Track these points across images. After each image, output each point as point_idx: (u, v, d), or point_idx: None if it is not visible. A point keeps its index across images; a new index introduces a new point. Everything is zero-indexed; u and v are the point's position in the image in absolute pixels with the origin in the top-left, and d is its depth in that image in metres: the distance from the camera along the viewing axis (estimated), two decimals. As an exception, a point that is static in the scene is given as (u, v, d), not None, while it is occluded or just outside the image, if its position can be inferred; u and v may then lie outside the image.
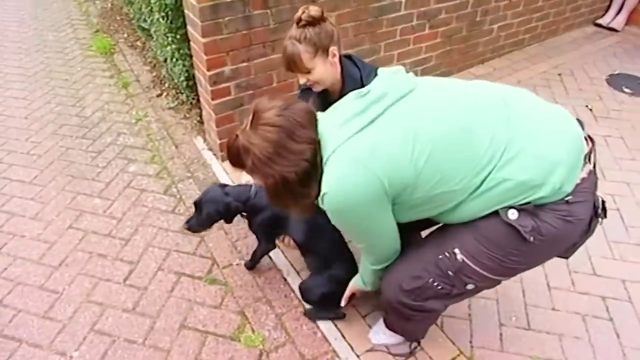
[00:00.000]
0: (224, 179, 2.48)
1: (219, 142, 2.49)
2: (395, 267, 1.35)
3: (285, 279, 1.97)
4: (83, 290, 1.94)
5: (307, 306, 1.83)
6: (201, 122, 2.82)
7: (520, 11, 3.61)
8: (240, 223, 2.22)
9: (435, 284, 1.25)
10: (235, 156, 1.18)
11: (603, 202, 1.18)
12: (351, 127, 1.11)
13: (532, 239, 1.09)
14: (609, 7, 4.43)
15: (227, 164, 2.57)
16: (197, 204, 1.71)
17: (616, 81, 3.51)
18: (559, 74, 3.58)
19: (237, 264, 2.03)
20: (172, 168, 2.59)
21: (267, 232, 1.81)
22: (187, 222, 1.73)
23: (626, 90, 3.40)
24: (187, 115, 2.97)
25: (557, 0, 3.86)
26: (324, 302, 1.74)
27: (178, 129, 2.89)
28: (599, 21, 4.42)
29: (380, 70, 1.23)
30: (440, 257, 1.22)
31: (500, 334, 1.76)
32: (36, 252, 2.11)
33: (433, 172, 1.09)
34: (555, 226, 1.09)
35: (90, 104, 3.20)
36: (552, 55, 3.89)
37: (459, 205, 1.14)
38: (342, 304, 1.66)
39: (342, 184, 1.10)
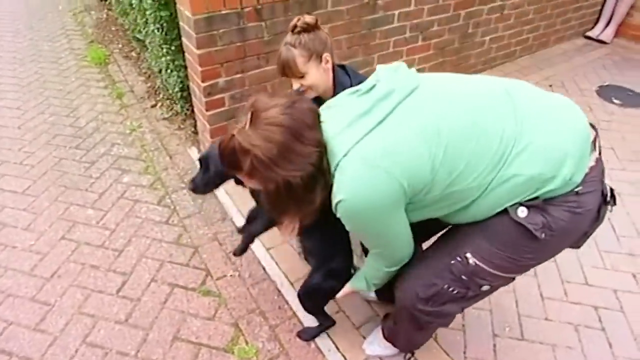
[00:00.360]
0: (218, 190, 2.47)
1: (213, 152, 2.49)
2: (409, 275, 1.31)
3: (279, 291, 1.96)
4: (75, 302, 1.93)
5: (306, 320, 1.80)
6: (195, 132, 2.82)
7: (511, 24, 3.67)
8: (234, 234, 2.22)
9: (451, 289, 1.23)
10: (230, 158, 1.07)
11: (611, 189, 1.16)
12: (360, 128, 1.05)
13: (543, 235, 1.07)
14: (598, 19, 4.51)
15: (221, 174, 2.57)
16: (204, 160, 1.49)
17: (606, 92, 3.57)
18: (550, 85, 3.64)
19: (232, 275, 2.03)
20: (166, 179, 2.59)
21: None
22: (192, 181, 1.51)
23: (616, 101, 3.45)
24: (182, 126, 2.97)
25: (547, 13, 3.93)
26: (323, 304, 1.67)
27: (172, 139, 2.90)
28: (589, 33, 4.50)
29: (379, 67, 1.17)
30: (453, 262, 1.20)
31: (494, 345, 1.76)
32: (28, 264, 2.10)
33: (450, 169, 1.05)
34: (565, 219, 1.07)
35: (84, 114, 3.20)
36: (543, 66, 3.94)
37: (471, 204, 1.11)
38: (338, 296, 1.57)
39: (360, 189, 1.04)
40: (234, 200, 2.40)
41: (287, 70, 1.55)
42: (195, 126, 2.79)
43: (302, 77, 1.55)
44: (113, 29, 4.43)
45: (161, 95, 3.28)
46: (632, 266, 2.10)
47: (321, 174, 1.08)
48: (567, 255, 2.13)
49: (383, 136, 1.04)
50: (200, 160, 1.51)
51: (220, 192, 2.46)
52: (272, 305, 1.90)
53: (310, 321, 1.80)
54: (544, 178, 1.04)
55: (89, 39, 4.31)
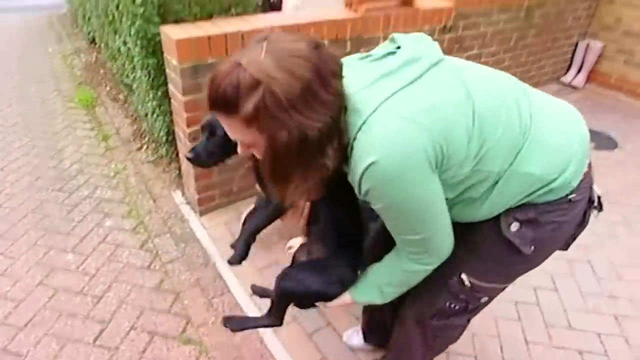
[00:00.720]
0: (201, 235, 2.47)
1: (197, 197, 2.49)
2: (411, 297, 1.33)
3: (261, 339, 1.92)
4: (49, 352, 1.85)
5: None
6: (180, 176, 2.83)
7: (488, 70, 3.82)
8: (217, 279, 2.19)
9: (452, 305, 1.27)
10: (228, 94, 0.82)
11: (599, 197, 1.16)
12: (389, 85, 0.91)
13: (532, 248, 1.09)
14: (569, 66, 4.74)
15: (205, 219, 2.56)
16: (209, 125, 1.25)
17: (581, 136, 3.69)
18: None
19: (213, 322, 1.99)
20: (149, 223, 2.57)
21: None
22: (193, 149, 1.27)
23: (590, 144, 3.57)
24: (166, 169, 2.98)
25: (522, 60, 4.12)
26: (298, 301, 1.32)
27: (157, 182, 2.90)
28: (562, 79, 4.72)
29: (396, 35, 1.05)
30: (449, 281, 1.23)
31: (480, 393, 1.74)
32: (1, 312, 2.02)
33: (481, 142, 0.97)
34: (553, 229, 1.09)
35: (69, 156, 3.20)
36: (521, 110, 4.07)
37: (478, 200, 1.07)
38: (330, 305, 1.30)
39: (396, 146, 0.87)
40: (218, 246, 2.38)
41: None
42: (180, 169, 2.80)
43: None
44: (102, 71, 4.50)
45: (147, 139, 3.30)
46: (613, 308, 2.12)
47: (337, 132, 0.90)
48: (550, 298, 2.16)
49: (419, 94, 0.91)
50: (203, 126, 1.28)
51: (203, 236, 2.45)
52: (255, 354, 1.86)
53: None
54: (550, 179, 1.03)
55: (77, 81, 4.36)
